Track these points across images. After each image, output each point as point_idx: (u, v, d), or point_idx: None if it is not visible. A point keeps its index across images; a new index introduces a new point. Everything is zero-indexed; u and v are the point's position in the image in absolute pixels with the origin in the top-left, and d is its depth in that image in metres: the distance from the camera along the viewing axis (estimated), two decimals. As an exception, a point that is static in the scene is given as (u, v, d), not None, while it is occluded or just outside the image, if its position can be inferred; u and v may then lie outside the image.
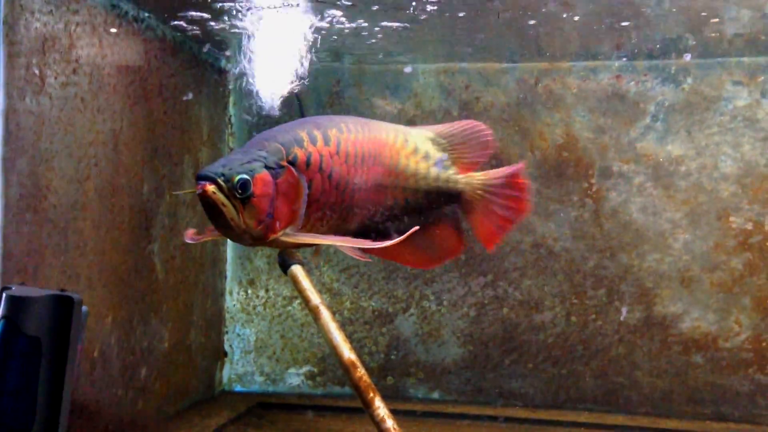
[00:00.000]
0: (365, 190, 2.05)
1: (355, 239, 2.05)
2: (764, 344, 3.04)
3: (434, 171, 2.27)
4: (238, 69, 2.54)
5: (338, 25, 2.59)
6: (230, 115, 3.36)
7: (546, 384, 3.20)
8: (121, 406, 2.46)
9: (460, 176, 2.33)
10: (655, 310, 3.11)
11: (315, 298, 2.66)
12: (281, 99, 2.55)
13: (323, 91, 3.37)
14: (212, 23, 2.54)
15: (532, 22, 2.63)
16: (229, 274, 3.42)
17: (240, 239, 1.97)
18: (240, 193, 1.81)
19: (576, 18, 2.60)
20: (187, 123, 2.93)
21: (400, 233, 2.04)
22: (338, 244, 2.03)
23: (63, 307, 1.68)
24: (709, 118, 3.08)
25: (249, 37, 2.52)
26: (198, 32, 2.68)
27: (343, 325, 2.90)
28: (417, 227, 2.04)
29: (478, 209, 2.38)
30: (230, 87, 3.32)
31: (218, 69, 3.18)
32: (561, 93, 3.20)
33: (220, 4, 2.34)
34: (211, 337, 3.26)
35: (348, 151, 1.99)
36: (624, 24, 2.67)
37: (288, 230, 1.95)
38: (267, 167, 1.85)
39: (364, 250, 2.07)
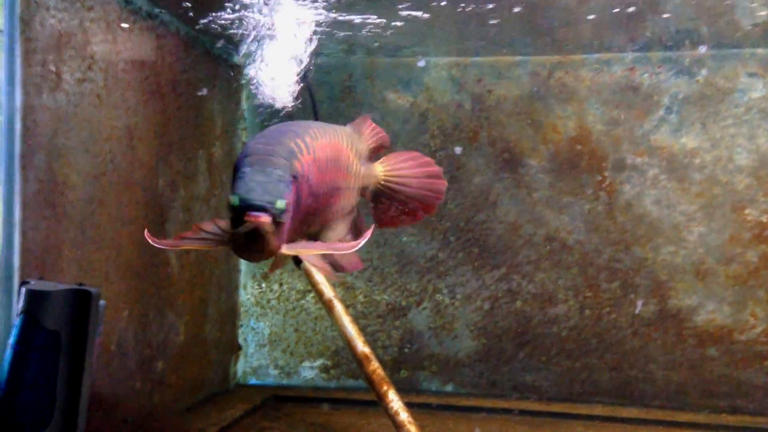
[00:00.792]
0: (328, 194, 2.04)
1: (343, 244, 2.05)
2: (780, 337, 3.03)
3: (363, 168, 2.28)
4: (250, 62, 2.54)
5: (349, 17, 2.60)
6: (243, 110, 3.37)
7: (560, 377, 3.20)
8: (138, 398, 2.49)
9: (376, 170, 2.34)
10: (670, 303, 3.10)
11: (328, 291, 2.68)
12: (294, 91, 2.56)
13: (335, 85, 3.37)
14: (225, 17, 2.55)
15: (546, 15, 2.63)
16: (243, 268, 3.44)
17: (254, 258, 1.93)
18: (280, 218, 1.75)
19: (590, 16, 2.60)
20: (200, 118, 2.94)
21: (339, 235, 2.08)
22: (329, 251, 1.99)
23: (81, 301, 1.70)
24: (724, 110, 3.07)
25: (261, 30, 2.52)
26: (213, 27, 2.68)
27: (356, 319, 2.91)
28: (373, 226, 2.05)
29: (385, 201, 2.39)
30: (243, 82, 3.33)
31: (231, 64, 3.19)
32: (574, 86, 3.19)
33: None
34: (225, 330, 3.28)
35: (319, 157, 1.98)
36: (638, 15, 2.65)
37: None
38: (287, 187, 1.82)
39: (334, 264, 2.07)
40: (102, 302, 1.78)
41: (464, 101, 3.29)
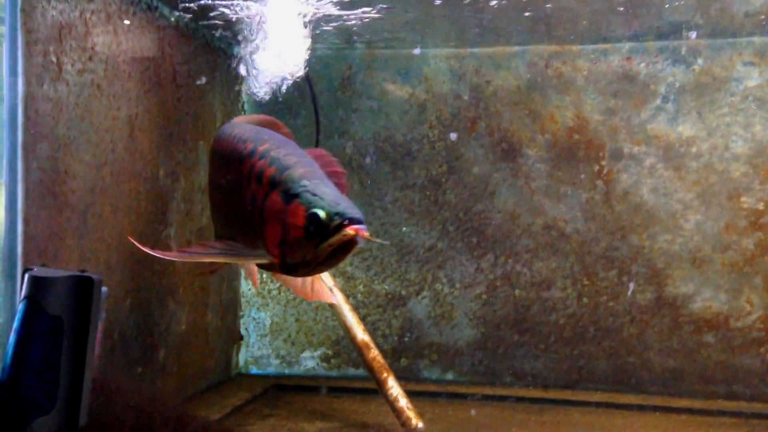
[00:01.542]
0: None
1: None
2: (776, 324, 3.05)
3: None
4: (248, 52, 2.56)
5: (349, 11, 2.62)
6: (243, 102, 3.40)
7: (558, 364, 3.23)
8: (140, 386, 2.51)
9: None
10: (667, 291, 3.13)
11: (328, 281, 2.71)
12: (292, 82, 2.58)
13: (335, 76, 3.40)
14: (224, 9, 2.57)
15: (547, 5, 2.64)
16: (244, 258, 3.45)
17: (315, 272, 1.93)
18: None
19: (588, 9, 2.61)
20: (200, 109, 2.97)
21: None
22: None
23: (83, 287, 1.72)
24: (720, 99, 3.08)
25: (259, 21, 2.55)
26: (212, 18, 2.70)
27: (356, 308, 2.95)
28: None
29: None
30: (243, 73, 3.35)
31: (231, 55, 3.21)
32: (571, 75, 3.21)
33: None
34: (227, 320, 3.31)
35: None
36: (635, 4, 2.67)
37: None
38: None
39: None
40: (104, 289, 1.80)
41: (462, 92, 3.31)
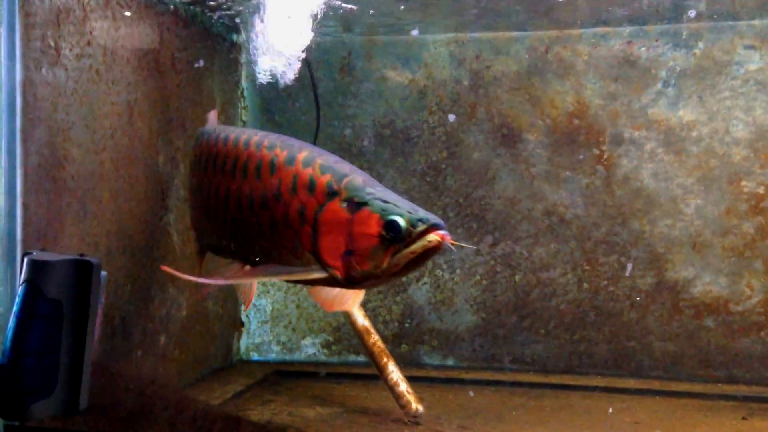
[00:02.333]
0: None
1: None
2: (776, 308, 3.05)
3: None
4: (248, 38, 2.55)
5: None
6: (243, 89, 3.39)
7: (558, 349, 3.23)
8: (141, 371, 2.52)
9: None
10: (667, 275, 3.13)
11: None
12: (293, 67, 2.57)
13: (334, 63, 3.39)
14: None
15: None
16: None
17: (390, 279, 1.91)
18: None
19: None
20: (199, 95, 2.96)
21: None
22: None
23: (83, 271, 1.73)
24: (721, 83, 3.07)
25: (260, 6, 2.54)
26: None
27: (357, 294, 2.94)
28: None
29: None
30: (242, 60, 3.34)
31: (230, 42, 3.21)
32: (572, 60, 3.20)
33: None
34: (227, 306, 3.32)
35: None
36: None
37: None
38: None
39: None
40: (104, 273, 1.81)
41: (462, 77, 3.30)
